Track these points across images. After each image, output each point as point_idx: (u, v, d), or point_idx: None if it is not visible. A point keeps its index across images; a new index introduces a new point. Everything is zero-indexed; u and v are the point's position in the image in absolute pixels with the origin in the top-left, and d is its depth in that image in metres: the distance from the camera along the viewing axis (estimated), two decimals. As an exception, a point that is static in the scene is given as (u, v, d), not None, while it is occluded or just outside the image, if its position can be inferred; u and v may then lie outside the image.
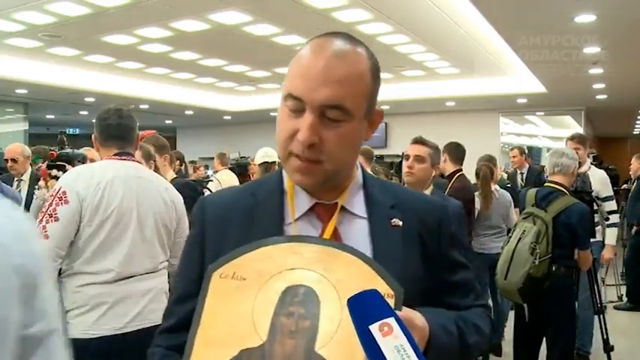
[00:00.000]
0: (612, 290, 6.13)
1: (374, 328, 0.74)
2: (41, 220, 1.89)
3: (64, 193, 1.91)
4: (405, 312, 0.81)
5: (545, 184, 3.23)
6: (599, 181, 4.10)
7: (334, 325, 0.79)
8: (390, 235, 0.96)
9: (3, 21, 6.62)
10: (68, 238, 1.91)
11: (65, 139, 3.77)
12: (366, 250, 0.92)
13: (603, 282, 5.81)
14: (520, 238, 3.02)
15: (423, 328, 0.83)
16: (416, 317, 0.83)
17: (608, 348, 3.51)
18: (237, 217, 0.97)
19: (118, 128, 2.14)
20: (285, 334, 0.79)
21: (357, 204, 0.98)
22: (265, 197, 0.98)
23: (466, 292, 1.04)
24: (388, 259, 0.90)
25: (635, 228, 6.13)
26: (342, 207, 0.96)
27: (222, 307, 0.83)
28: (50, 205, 1.91)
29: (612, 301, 5.95)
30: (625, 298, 6.00)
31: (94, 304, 1.93)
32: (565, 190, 3.09)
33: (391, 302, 0.81)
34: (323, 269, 0.83)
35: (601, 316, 3.56)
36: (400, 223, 0.97)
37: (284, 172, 1.00)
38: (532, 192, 3.22)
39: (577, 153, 3.68)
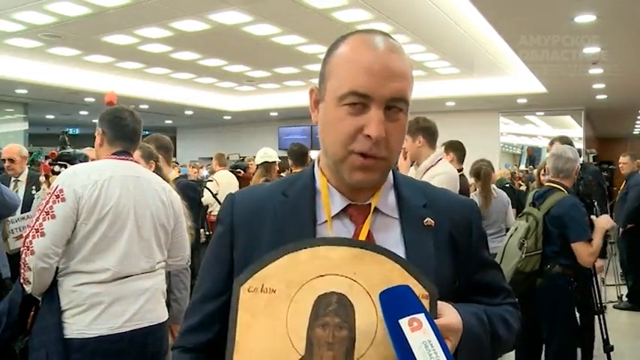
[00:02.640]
0: (612, 290, 6.12)
1: (403, 322, 0.74)
2: (38, 218, 1.89)
3: (61, 191, 1.91)
4: (443, 319, 0.81)
5: (546, 183, 3.23)
6: (438, 181, 2.87)
7: (371, 332, 0.78)
8: (423, 234, 0.94)
9: (3, 21, 6.62)
10: (65, 235, 1.90)
11: (67, 139, 3.76)
12: (398, 250, 0.90)
13: (603, 282, 5.80)
14: (512, 235, 3.06)
15: (460, 328, 0.83)
16: (453, 319, 0.83)
17: (608, 348, 3.48)
18: (268, 216, 0.95)
19: (132, 131, 2.18)
20: (323, 347, 0.78)
21: (389, 204, 0.96)
22: (297, 196, 0.96)
23: (496, 291, 1.04)
24: (421, 259, 0.90)
25: (620, 230, 6.07)
26: (375, 208, 0.94)
27: (255, 324, 0.80)
28: (47, 202, 1.90)
29: (612, 301, 5.94)
30: (625, 298, 5.99)
31: (90, 303, 1.91)
32: (562, 189, 3.08)
33: (425, 303, 0.80)
34: (354, 274, 0.81)
35: (601, 316, 3.54)
36: (433, 222, 0.95)
37: (316, 172, 0.98)
38: (533, 193, 3.26)
39: (406, 143, 3.43)
